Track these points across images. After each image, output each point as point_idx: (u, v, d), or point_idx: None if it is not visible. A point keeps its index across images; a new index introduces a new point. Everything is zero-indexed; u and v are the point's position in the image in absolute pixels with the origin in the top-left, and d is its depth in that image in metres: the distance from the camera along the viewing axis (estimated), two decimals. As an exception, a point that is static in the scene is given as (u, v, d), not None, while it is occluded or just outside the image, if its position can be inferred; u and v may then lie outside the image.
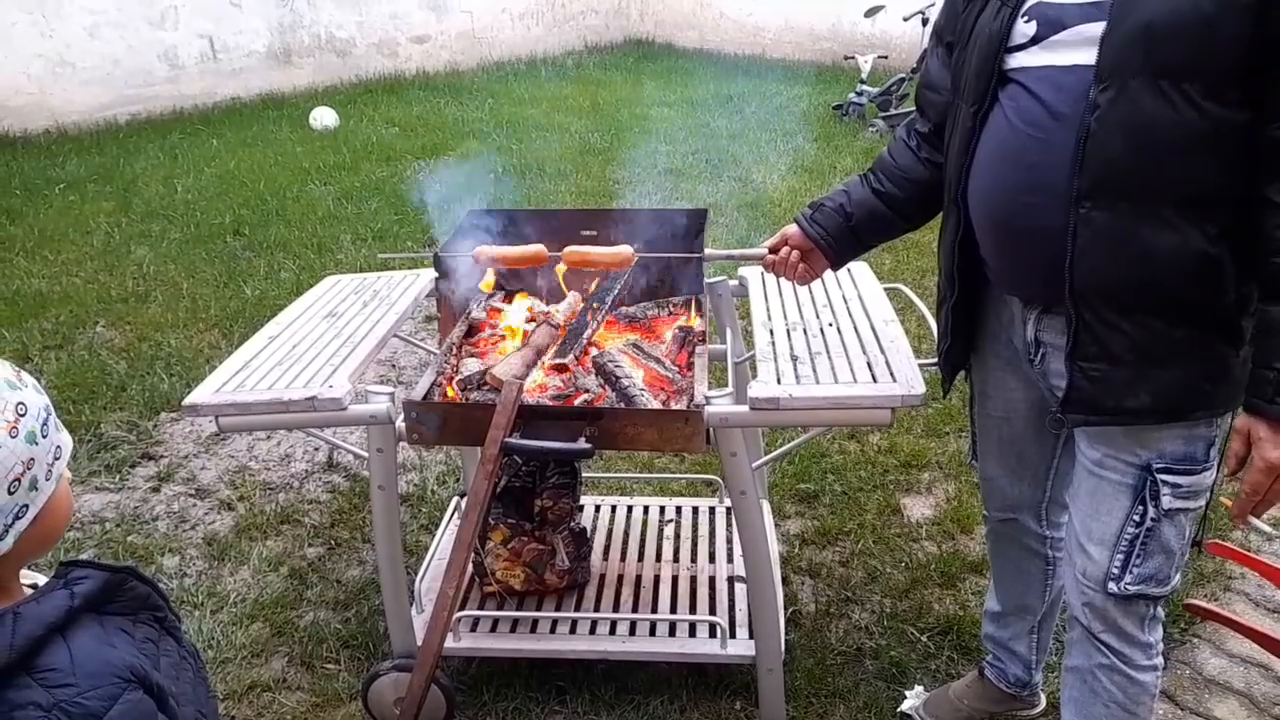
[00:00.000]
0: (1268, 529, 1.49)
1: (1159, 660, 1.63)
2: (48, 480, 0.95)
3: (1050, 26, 1.40)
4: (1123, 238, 1.36)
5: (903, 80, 7.22)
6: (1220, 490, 1.55)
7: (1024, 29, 1.43)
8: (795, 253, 1.85)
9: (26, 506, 0.93)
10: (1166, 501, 1.48)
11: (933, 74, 1.70)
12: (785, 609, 2.38)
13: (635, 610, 2.32)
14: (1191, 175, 1.32)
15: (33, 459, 0.92)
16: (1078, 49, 1.36)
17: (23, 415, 0.91)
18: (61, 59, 7.64)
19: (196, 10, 8.32)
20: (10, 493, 0.91)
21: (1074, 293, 1.42)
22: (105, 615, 0.97)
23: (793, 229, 1.85)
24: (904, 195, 1.77)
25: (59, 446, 0.97)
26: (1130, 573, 1.53)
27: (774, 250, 1.88)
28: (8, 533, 0.92)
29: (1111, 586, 1.54)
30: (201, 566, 2.77)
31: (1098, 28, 1.33)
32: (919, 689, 2.21)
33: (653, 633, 2.23)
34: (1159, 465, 1.47)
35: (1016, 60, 1.45)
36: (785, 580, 2.56)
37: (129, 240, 5.35)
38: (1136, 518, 1.50)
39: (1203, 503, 1.52)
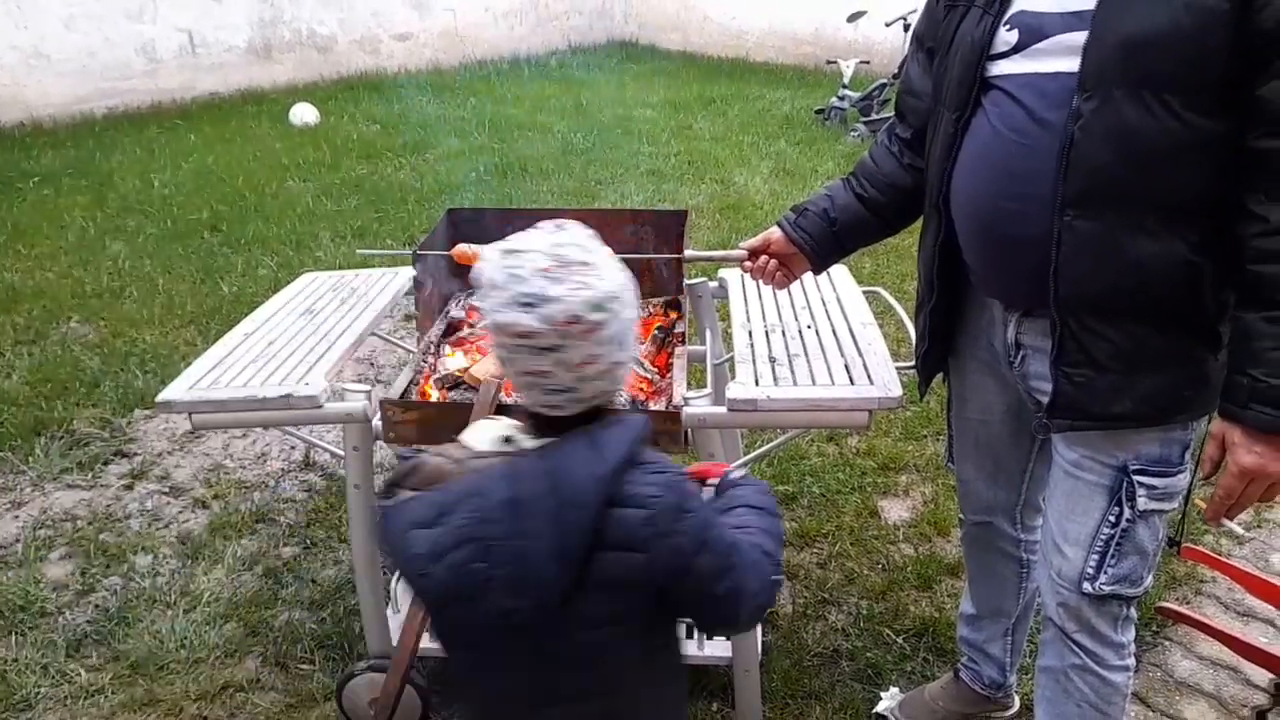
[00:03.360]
0: (1240, 531, 1.51)
1: (1131, 661, 1.65)
2: None
3: (1032, 35, 1.40)
4: (1107, 246, 1.36)
5: (884, 85, 7.27)
6: (1194, 493, 1.56)
7: (1006, 37, 1.44)
8: (774, 261, 1.86)
9: None
10: (1142, 503, 1.50)
11: (913, 80, 1.70)
12: (763, 610, 2.38)
13: (613, 611, 2.30)
14: (1175, 184, 1.32)
15: None
16: (1060, 57, 1.37)
17: None
18: (37, 51, 7.54)
19: (175, 4, 8.24)
20: None
21: (1058, 299, 1.42)
22: None
23: (776, 233, 1.85)
24: (886, 200, 1.77)
25: None
26: (1105, 573, 1.54)
27: (756, 252, 1.87)
28: None
29: (1086, 586, 1.55)
30: (175, 565, 2.74)
31: (1079, 37, 1.33)
32: (894, 690, 2.22)
33: (630, 634, 2.23)
34: (1135, 467, 1.49)
35: (999, 68, 1.45)
36: (763, 582, 2.57)
37: (104, 235, 5.28)
38: (1112, 518, 1.52)
39: (1176, 504, 1.54)
